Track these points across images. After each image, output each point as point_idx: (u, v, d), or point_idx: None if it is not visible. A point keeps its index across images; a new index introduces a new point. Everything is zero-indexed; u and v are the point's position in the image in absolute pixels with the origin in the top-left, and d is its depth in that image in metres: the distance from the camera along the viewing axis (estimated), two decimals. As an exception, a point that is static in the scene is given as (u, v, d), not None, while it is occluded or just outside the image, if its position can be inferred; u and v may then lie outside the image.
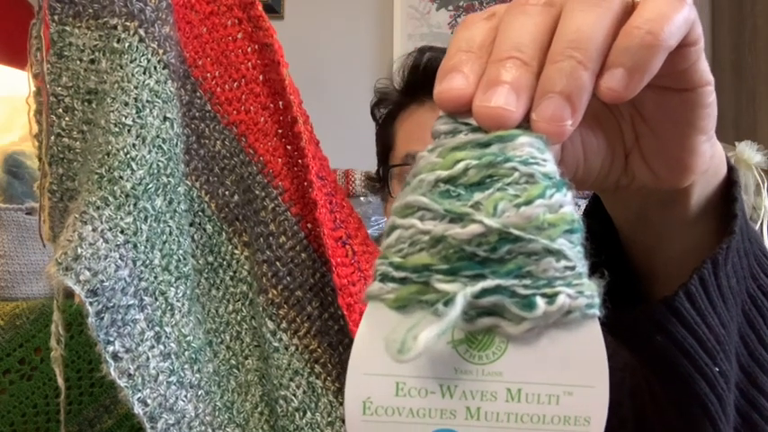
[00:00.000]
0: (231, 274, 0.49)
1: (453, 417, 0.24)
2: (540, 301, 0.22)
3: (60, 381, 0.41)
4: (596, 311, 0.23)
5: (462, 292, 0.22)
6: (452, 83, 0.25)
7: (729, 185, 0.36)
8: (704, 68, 0.28)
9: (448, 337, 0.24)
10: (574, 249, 0.23)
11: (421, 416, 0.24)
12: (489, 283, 0.22)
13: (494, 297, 0.23)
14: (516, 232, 0.22)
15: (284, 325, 0.46)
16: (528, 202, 0.23)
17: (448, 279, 0.23)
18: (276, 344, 0.46)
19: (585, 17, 0.24)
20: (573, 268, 0.23)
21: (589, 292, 0.23)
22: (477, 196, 0.23)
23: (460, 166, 0.23)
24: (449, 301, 0.22)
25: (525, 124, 0.25)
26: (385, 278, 0.24)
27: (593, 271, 0.24)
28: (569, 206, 0.24)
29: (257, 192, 0.48)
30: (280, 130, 0.48)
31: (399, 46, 1.79)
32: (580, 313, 0.23)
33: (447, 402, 0.24)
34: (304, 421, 0.44)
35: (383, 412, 0.24)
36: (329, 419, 0.45)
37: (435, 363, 0.24)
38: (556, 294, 0.23)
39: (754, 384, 0.38)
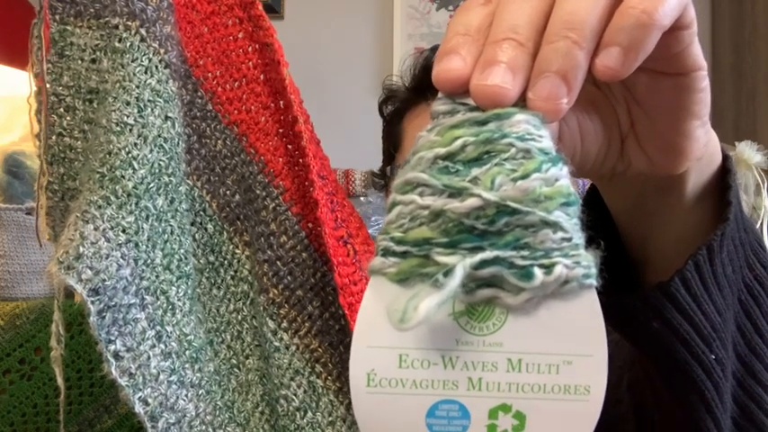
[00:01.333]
0: (232, 273, 0.49)
1: (456, 387, 0.25)
2: (538, 272, 0.23)
3: (60, 381, 0.41)
4: (593, 281, 0.24)
5: (462, 263, 0.23)
6: (450, 64, 0.25)
7: (724, 174, 0.36)
8: (697, 53, 0.29)
9: (449, 309, 0.24)
10: (570, 221, 0.24)
11: (424, 387, 0.25)
12: (488, 254, 0.23)
13: (492, 268, 0.23)
14: (513, 205, 0.23)
15: (285, 324, 0.46)
16: (524, 176, 0.23)
17: (448, 252, 0.23)
18: (277, 343, 0.46)
19: (580, 0, 0.25)
20: (570, 239, 0.24)
21: (586, 262, 0.24)
22: (475, 171, 0.24)
23: (458, 143, 0.24)
24: (448, 272, 0.23)
25: (522, 103, 0.25)
26: (387, 253, 0.25)
27: (590, 244, 0.24)
28: (565, 180, 0.24)
29: (258, 191, 0.48)
30: (280, 130, 0.48)
31: (399, 46, 1.79)
32: (577, 283, 0.23)
33: (449, 373, 0.25)
34: (305, 421, 0.44)
35: (387, 384, 0.25)
36: (330, 419, 0.45)
37: (437, 334, 0.24)
38: (553, 265, 0.23)
39: (750, 374, 0.38)
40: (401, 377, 0.25)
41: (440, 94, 0.26)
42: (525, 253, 0.23)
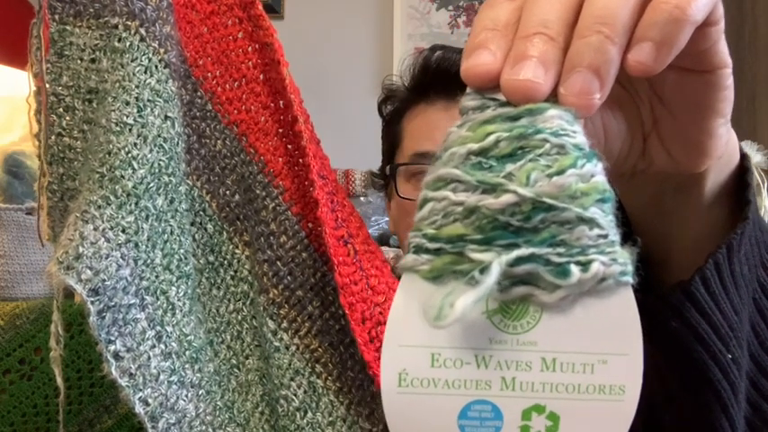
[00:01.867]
0: (232, 273, 0.48)
1: (489, 387, 0.24)
2: (575, 269, 0.23)
3: (59, 381, 0.41)
4: (630, 279, 0.23)
5: (498, 260, 0.22)
6: (479, 59, 0.25)
7: (742, 173, 0.36)
8: (724, 50, 0.29)
9: (482, 307, 0.24)
10: (606, 218, 0.23)
11: (456, 387, 0.24)
12: (524, 251, 0.23)
13: (528, 265, 0.23)
14: (549, 201, 0.23)
15: (285, 324, 0.46)
16: (560, 172, 0.23)
17: (482, 249, 0.23)
18: (277, 343, 0.46)
19: None
20: (606, 236, 0.23)
21: (622, 259, 0.23)
22: (509, 167, 0.23)
23: (491, 138, 0.24)
24: (484, 269, 0.23)
25: (553, 99, 0.25)
26: (419, 250, 0.24)
27: (625, 241, 0.24)
28: (601, 176, 0.24)
29: (258, 191, 0.48)
30: (280, 130, 0.48)
31: (399, 46, 1.79)
32: (614, 281, 0.23)
33: (482, 373, 0.24)
34: (305, 421, 0.44)
35: (419, 384, 0.24)
36: (330, 419, 0.45)
37: (470, 333, 0.24)
38: (590, 262, 0.23)
39: (763, 373, 0.38)
40: (433, 377, 0.24)
41: (468, 90, 0.26)
42: (561, 250, 0.23)
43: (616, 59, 0.24)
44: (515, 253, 0.23)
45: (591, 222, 0.23)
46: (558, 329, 0.24)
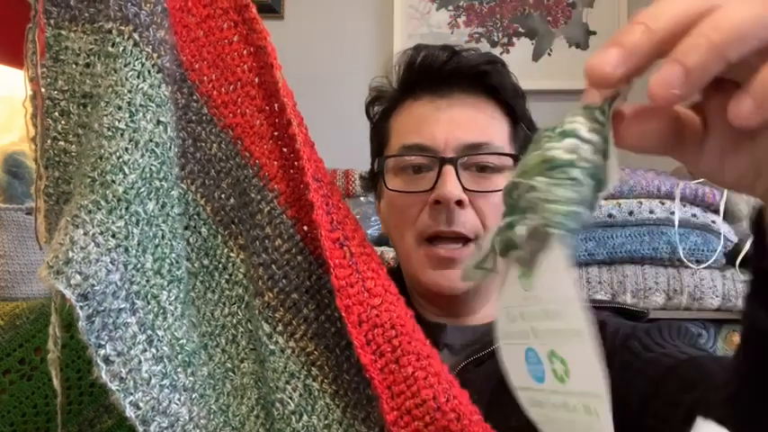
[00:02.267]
0: (227, 277, 0.49)
1: (527, 337, 0.30)
2: (518, 229, 0.28)
3: (56, 383, 0.41)
4: (554, 229, 0.27)
5: (491, 235, 0.30)
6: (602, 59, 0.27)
7: None
8: None
9: (518, 272, 0.30)
10: (550, 182, 0.27)
11: (516, 336, 0.31)
12: (502, 221, 0.29)
13: (508, 233, 0.29)
14: (515, 179, 0.28)
15: (280, 328, 0.46)
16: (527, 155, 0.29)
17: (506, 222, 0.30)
18: (272, 347, 0.46)
19: (740, 8, 0.25)
20: (545, 198, 0.27)
21: (548, 214, 0.27)
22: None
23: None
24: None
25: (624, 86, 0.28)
26: None
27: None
28: (554, 151, 0.27)
29: (253, 195, 0.48)
30: (275, 133, 0.48)
31: (399, 46, 1.78)
32: (547, 235, 0.27)
33: (521, 324, 0.31)
34: (300, 424, 0.44)
35: (506, 336, 0.32)
36: (326, 422, 0.45)
37: (512, 294, 0.31)
38: (523, 221, 0.28)
39: None
40: (509, 330, 0.32)
41: None
42: (516, 217, 0.28)
43: (712, 67, 0.25)
44: (497, 226, 0.29)
45: (532, 189, 0.27)
46: (543, 283, 0.28)
